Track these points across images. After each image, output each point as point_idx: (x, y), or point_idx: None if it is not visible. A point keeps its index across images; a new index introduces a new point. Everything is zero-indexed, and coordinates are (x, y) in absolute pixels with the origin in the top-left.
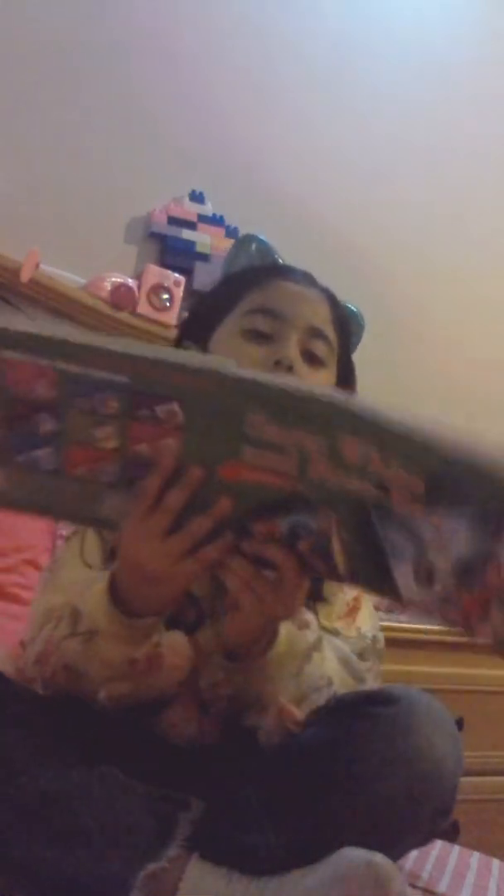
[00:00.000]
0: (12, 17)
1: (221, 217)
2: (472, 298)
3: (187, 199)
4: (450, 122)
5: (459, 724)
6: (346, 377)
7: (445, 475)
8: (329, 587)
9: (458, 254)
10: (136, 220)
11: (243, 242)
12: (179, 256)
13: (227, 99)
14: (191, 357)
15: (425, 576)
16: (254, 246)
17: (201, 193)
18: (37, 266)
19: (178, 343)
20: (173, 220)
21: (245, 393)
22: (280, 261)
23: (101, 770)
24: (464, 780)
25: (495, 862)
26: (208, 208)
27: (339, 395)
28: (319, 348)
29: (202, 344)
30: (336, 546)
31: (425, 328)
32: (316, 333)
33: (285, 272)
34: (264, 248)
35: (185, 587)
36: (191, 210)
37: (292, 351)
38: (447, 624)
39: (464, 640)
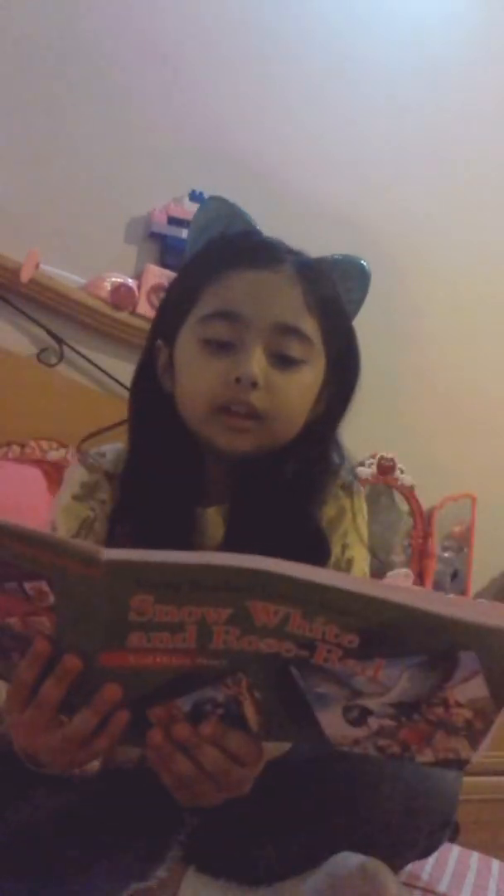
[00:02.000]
0: (12, 17)
1: (244, 211)
2: (470, 298)
3: (187, 199)
4: (450, 122)
5: None
6: (339, 364)
7: (388, 629)
8: None
9: (458, 255)
10: (136, 220)
11: (203, 210)
12: (179, 256)
13: (227, 99)
14: (58, 536)
15: (357, 717)
16: (218, 210)
17: (201, 193)
18: (37, 266)
19: (150, 343)
20: (173, 220)
21: (124, 577)
22: (248, 219)
23: (92, 790)
24: (464, 780)
25: (495, 862)
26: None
27: (248, 561)
28: (292, 347)
29: (171, 343)
30: (249, 709)
31: (424, 328)
32: (286, 331)
33: (247, 257)
34: (228, 213)
35: (90, 762)
36: (191, 210)
37: (255, 364)
38: (380, 754)
39: None
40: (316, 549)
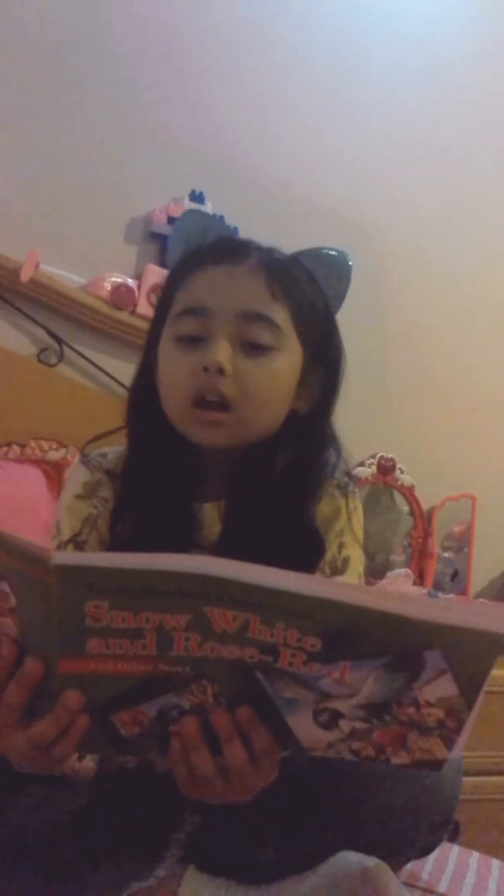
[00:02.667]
0: (12, 17)
1: (221, 217)
2: (472, 299)
3: (187, 199)
4: (449, 121)
5: None
6: (320, 355)
7: (350, 632)
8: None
9: (460, 255)
10: (136, 220)
11: (180, 224)
12: None
13: (227, 99)
14: (16, 537)
15: (328, 720)
16: (194, 223)
17: (201, 193)
18: (37, 266)
19: (147, 348)
20: (173, 220)
21: (75, 581)
22: (223, 227)
23: (93, 790)
24: (464, 780)
25: (495, 862)
26: (208, 208)
27: (200, 564)
28: (260, 334)
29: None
30: (213, 715)
31: (425, 328)
32: (251, 318)
33: (211, 257)
34: (204, 224)
35: (61, 767)
36: (183, 213)
37: (219, 351)
38: (355, 758)
39: None
40: (310, 545)
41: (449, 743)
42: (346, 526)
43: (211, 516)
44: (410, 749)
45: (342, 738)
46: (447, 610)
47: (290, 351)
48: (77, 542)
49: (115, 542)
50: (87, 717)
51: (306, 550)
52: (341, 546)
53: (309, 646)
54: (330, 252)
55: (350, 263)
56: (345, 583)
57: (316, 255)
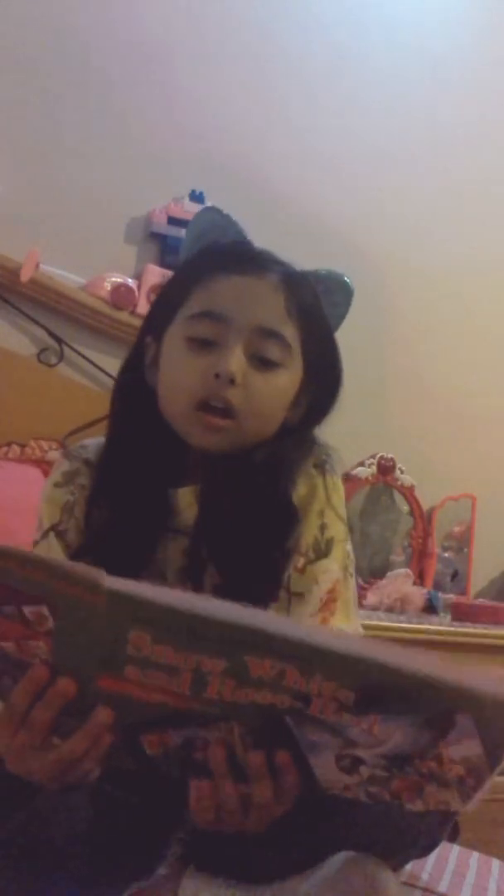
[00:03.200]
0: (13, 18)
1: (236, 221)
2: (472, 300)
3: (187, 199)
4: (449, 121)
5: None
6: (318, 371)
7: (383, 689)
8: (299, 580)
9: (460, 256)
10: (136, 220)
11: (198, 219)
12: (179, 256)
13: (227, 101)
14: (62, 561)
15: (349, 765)
16: (212, 221)
17: (201, 193)
18: (37, 266)
19: (140, 339)
20: (173, 220)
21: (123, 608)
22: (239, 230)
23: (93, 789)
24: None
25: (495, 862)
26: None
27: (246, 615)
28: (271, 350)
29: (159, 341)
30: (239, 752)
31: (425, 329)
32: (266, 334)
33: (233, 263)
34: (222, 223)
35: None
36: (191, 210)
37: (234, 361)
38: (369, 800)
39: (464, 640)
40: (284, 516)
41: (466, 798)
42: (326, 504)
43: (187, 500)
44: (426, 799)
45: (360, 782)
46: (486, 679)
47: (294, 368)
48: (58, 531)
49: (90, 528)
50: (110, 736)
51: (280, 522)
52: (323, 527)
53: (343, 697)
54: (333, 273)
55: (352, 287)
56: (390, 643)
57: (319, 274)
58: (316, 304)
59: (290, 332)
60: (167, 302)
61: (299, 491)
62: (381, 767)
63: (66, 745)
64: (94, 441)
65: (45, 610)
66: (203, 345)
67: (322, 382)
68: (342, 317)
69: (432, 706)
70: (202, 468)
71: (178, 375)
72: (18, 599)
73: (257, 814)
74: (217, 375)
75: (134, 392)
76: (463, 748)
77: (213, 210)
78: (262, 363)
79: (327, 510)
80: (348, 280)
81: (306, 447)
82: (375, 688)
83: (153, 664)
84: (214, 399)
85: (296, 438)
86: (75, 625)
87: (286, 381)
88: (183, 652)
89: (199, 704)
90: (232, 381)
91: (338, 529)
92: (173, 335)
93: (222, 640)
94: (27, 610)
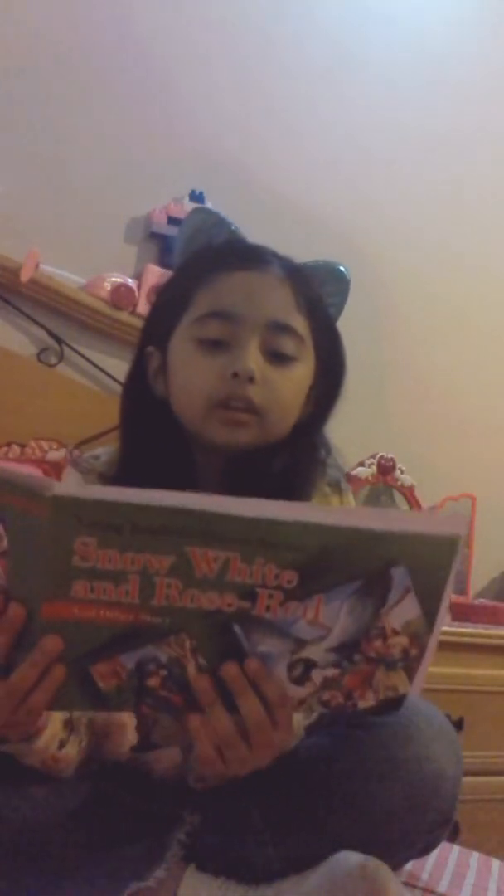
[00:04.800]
0: (12, 19)
1: (229, 220)
2: (472, 300)
3: (187, 199)
4: (449, 121)
5: (459, 724)
6: (327, 363)
7: (324, 556)
8: None
9: (460, 256)
10: (136, 220)
11: (189, 221)
12: None
13: (227, 100)
14: (11, 471)
15: (302, 673)
16: (203, 221)
17: (201, 193)
18: (37, 266)
19: (140, 348)
20: (173, 220)
21: (66, 514)
22: (234, 229)
23: (91, 788)
24: (464, 780)
25: (495, 862)
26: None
27: (187, 499)
28: (286, 344)
29: (163, 348)
30: (192, 672)
31: (424, 329)
32: (279, 328)
33: (236, 260)
34: (214, 223)
35: (35, 724)
36: (190, 210)
37: (251, 358)
38: (325, 709)
39: (464, 640)
40: None
41: (412, 674)
42: None
43: None
44: (376, 688)
45: (314, 692)
46: (410, 520)
47: (307, 361)
48: None
49: None
50: (63, 668)
51: None
52: None
53: (286, 582)
54: (328, 263)
55: (348, 277)
56: (319, 506)
57: (314, 266)
58: (319, 296)
59: (301, 324)
60: (168, 308)
61: None
62: (331, 665)
63: (15, 675)
64: (104, 451)
65: (1, 528)
66: (215, 345)
67: (329, 373)
68: (341, 307)
69: (369, 563)
70: (219, 484)
71: (194, 379)
72: None
73: (260, 739)
74: (235, 374)
75: (142, 405)
76: (402, 611)
77: (204, 210)
78: (278, 358)
79: None
80: (344, 269)
81: (322, 450)
82: (316, 563)
83: (100, 573)
84: (235, 399)
85: (310, 440)
86: (24, 541)
87: (302, 373)
88: (128, 553)
89: (149, 615)
90: (251, 380)
91: None
92: (181, 340)
93: (166, 532)
94: None
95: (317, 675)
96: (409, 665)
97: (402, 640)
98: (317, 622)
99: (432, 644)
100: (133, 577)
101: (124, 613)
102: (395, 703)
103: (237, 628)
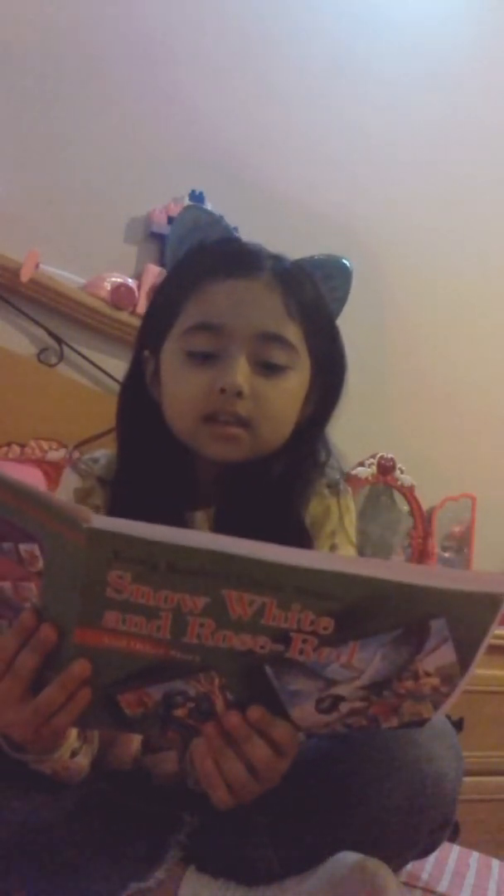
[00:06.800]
0: (12, 19)
1: (221, 217)
2: (472, 299)
3: (187, 199)
4: (449, 126)
5: (459, 724)
6: (325, 365)
7: (363, 606)
8: None
9: (460, 256)
10: (136, 220)
11: (181, 219)
12: None
13: (227, 100)
14: (53, 496)
15: (329, 705)
16: (195, 219)
17: (201, 193)
18: (37, 266)
19: (137, 353)
20: (173, 221)
21: (103, 546)
22: (225, 226)
23: (92, 790)
24: (464, 780)
25: (495, 862)
26: (208, 208)
27: (226, 542)
28: (276, 354)
29: (156, 355)
30: (220, 706)
31: (424, 329)
32: (268, 338)
33: (223, 266)
34: (207, 221)
35: (57, 743)
36: (182, 208)
37: (239, 373)
38: (347, 730)
39: None
40: (296, 544)
41: (438, 705)
42: (338, 526)
43: (201, 523)
44: (401, 715)
45: (339, 718)
46: (453, 577)
47: (301, 368)
48: None
49: None
50: (90, 692)
51: (292, 544)
52: (333, 548)
53: (322, 628)
54: (331, 257)
55: (351, 269)
56: (362, 558)
57: (316, 260)
58: (316, 295)
59: (293, 332)
60: (160, 314)
61: (313, 511)
62: (360, 699)
63: (42, 695)
64: (103, 454)
65: (36, 549)
66: (203, 358)
67: (329, 375)
68: (343, 301)
69: (408, 616)
70: (216, 489)
71: (181, 392)
72: (15, 536)
73: (267, 773)
74: (223, 390)
75: (139, 408)
76: (437, 657)
77: (196, 208)
78: (268, 369)
79: (339, 532)
80: (346, 261)
81: (322, 452)
82: (354, 611)
83: (133, 606)
84: (222, 414)
85: (311, 443)
86: (59, 565)
87: (295, 382)
88: (163, 591)
89: (179, 651)
90: (239, 394)
91: (347, 552)
92: (171, 350)
93: (202, 573)
94: (22, 548)
95: (344, 707)
96: (438, 699)
97: (434, 681)
98: (350, 665)
99: (463, 683)
100: (165, 614)
101: (155, 647)
102: (419, 723)
103: (269, 669)
